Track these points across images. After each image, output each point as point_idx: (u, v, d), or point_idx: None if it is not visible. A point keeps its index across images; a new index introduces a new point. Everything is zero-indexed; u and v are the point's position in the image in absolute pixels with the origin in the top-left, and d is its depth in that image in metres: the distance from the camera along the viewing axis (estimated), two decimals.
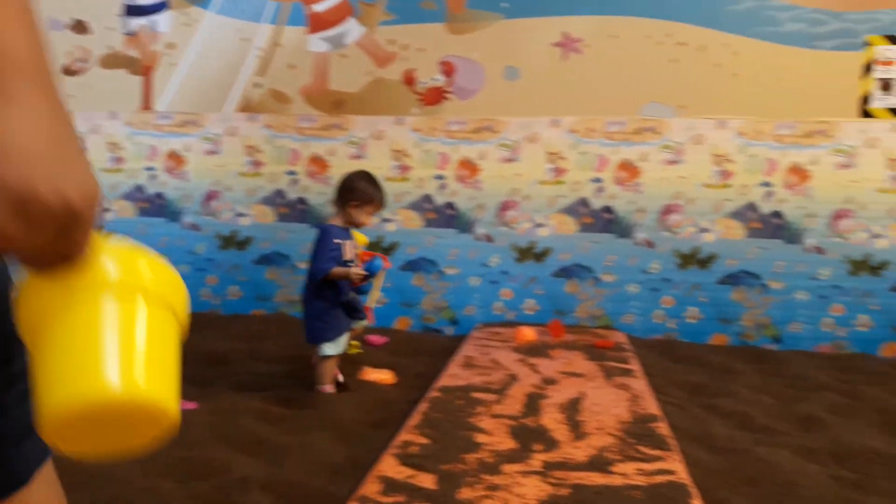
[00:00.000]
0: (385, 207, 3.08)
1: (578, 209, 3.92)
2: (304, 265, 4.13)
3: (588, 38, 3.87)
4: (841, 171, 3.71)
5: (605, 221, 3.91)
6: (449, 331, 4.04)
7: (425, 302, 4.08)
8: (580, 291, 3.95)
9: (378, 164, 3.89)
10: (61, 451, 0.57)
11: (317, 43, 4.11)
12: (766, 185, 3.77)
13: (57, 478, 0.73)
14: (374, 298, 3.14)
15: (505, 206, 3.99)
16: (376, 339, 3.64)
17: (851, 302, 3.73)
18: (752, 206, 3.79)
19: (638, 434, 2.17)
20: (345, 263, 2.79)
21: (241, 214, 4.23)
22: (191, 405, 2.50)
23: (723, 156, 3.79)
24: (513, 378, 2.81)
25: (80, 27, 4.34)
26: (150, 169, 4.31)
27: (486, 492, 1.75)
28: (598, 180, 3.90)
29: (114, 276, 0.57)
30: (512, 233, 3.99)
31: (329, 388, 2.82)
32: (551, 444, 2.09)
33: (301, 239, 4.08)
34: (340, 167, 3.84)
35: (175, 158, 4.29)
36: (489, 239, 4.01)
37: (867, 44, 3.65)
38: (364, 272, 2.78)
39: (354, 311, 2.86)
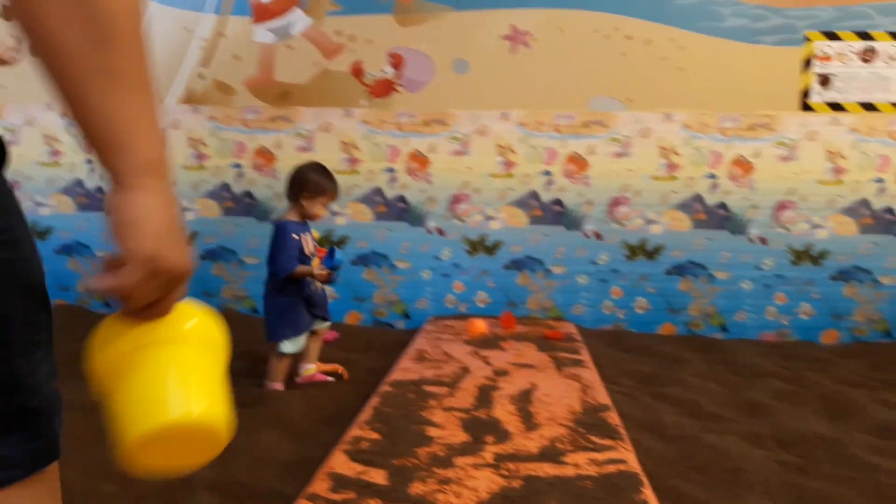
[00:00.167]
0: (338, 198, 3.04)
1: (529, 202, 3.93)
2: (251, 260, 4.07)
3: (536, 32, 3.87)
4: (783, 163, 3.79)
5: (555, 214, 3.93)
6: (401, 325, 4.01)
7: (377, 296, 4.04)
8: (531, 283, 3.96)
9: (327, 157, 3.81)
10: (136, 469, 0.68)
11: (262, 33, 4.02)
12: (712, 176, 3.83)
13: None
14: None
15: (456, 199, 3.97)
16: (328, 335, 3.58)
17: (794, 291, 3.83)
18: (698, 198, 3.85)
19: (589, 424, 2.18)
20: (307, 257, 2.77)
21: (185, 209, 4.12)
22: None
23: (669, 148, 3.84)
24: (465, 370, 2.80)
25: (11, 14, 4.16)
26: (91, 161, 4.16)
27: (438, 486, 1.73)
28: (547, 173, 3.91)
29: (186, 328, 0.73)
30: (463, 226, 3.98)
31: (279, 386, 2.77)
32: (503, 435, 2.08)
33: (248, 233, 4.00)
34: (288, 160, 3.77)
35: None
36: (441, 232, 4.00)
37: (807, 39, 3.74)
38: (327, 270, 2.75)
39: (316, 308, 2.83)
